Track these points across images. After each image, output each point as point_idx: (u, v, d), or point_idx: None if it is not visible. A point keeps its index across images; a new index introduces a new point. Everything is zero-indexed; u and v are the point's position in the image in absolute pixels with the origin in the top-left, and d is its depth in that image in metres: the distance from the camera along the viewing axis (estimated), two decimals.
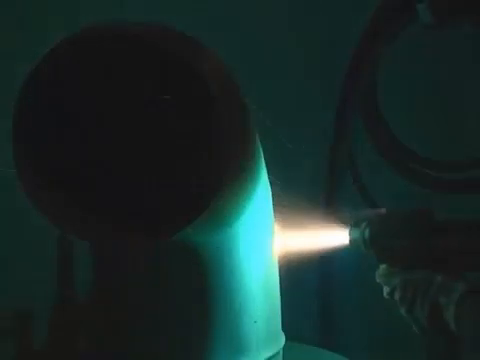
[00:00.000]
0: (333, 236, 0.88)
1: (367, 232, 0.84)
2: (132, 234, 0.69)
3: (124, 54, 0.68)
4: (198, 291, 0.75)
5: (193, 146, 0.68)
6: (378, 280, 0.86)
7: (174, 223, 0.68)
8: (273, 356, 0.81)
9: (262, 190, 0.78)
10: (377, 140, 1.24)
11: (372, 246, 0.84)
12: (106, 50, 0.68)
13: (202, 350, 0.76)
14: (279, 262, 0.84)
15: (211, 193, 0.68)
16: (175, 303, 0.75)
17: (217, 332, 0.76)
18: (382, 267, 0.86)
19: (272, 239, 0.82)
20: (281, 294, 0.84)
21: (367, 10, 1.22)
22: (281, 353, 0.83)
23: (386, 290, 0.86)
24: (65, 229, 0.71)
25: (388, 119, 1.25)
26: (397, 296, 0.83)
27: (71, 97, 0.69)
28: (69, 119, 0.70)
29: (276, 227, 0.83)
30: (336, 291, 1.32)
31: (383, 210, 0.87)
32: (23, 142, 0.70)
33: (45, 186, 0.69)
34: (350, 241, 0.86)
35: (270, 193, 0.81)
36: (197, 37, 0.72)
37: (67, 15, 1.27)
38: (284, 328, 0.86)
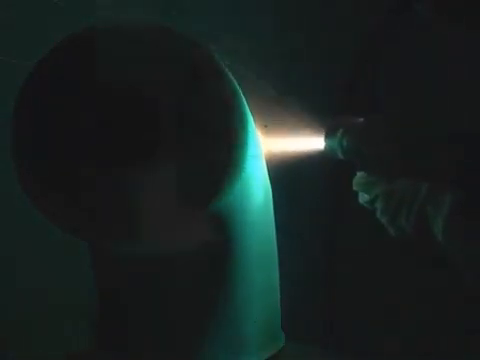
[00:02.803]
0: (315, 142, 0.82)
1: (345, 140, 0.79)
2: (132, 234, 0.69)
3: (124, 54, 0.68)
4: (197, 290, 0.75)
5: (192, 146, 0.68)
6: (355, 188, 0.80)
7: (173, 224, 0.68)
8: (273, 356, 0.81)
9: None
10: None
11: (352, 154, 0.78)
12: (106, 50, 0.68)
13: (201, 350, 0.76)
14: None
15: (211, 193, 0.68)
16: (174, 302, 0.75)
17: (216, 332, 0.76)
18: (360, 175, 0.80)
19: (273, 242, 0.81)
20: (281, 293, 0.84)
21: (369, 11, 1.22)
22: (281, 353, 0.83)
23: (364, 198, 0.80)
24: (65, 229, 0.71)
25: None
26: (378, 206, 0.78)
27: (71, 97, 0.69)
28: (69, 119, 0.70)
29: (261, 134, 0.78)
30: (338, 290, 1.33)
31: (360, 119, 0.82)
32: (23, 142, 0.70)
33: (45, 186, 0.69)
34: (325, 148, 0.81)
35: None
36: (197, 37, 0.72)
37: (67, 15, 1.27)
38: (283, 328, 0.86)
